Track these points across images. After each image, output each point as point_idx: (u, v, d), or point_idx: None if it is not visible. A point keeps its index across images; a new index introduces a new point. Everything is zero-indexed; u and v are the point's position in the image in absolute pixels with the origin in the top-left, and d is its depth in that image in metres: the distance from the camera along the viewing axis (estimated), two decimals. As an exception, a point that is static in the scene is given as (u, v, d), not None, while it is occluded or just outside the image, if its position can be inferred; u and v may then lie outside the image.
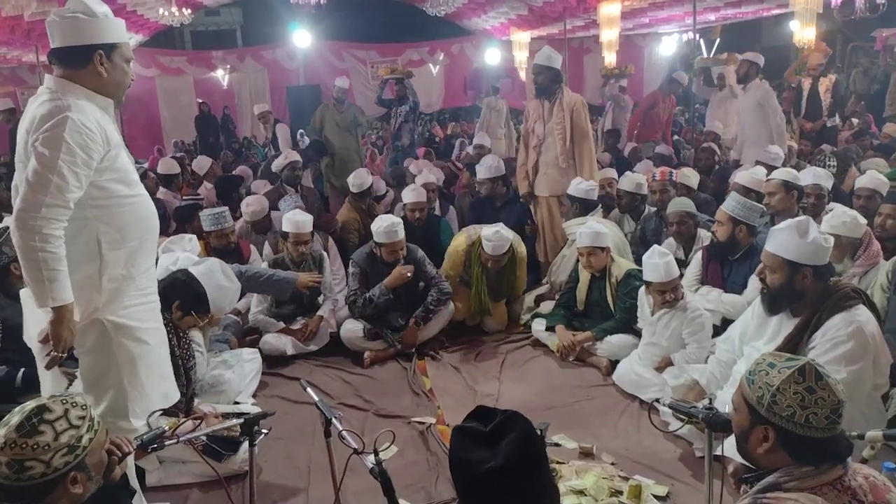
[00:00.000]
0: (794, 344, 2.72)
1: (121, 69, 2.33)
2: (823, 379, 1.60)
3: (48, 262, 2.07)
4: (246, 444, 3.05)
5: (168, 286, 3.04)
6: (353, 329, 4.60)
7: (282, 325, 4.63)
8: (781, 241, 2.74)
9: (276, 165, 6.62)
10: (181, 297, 3.04)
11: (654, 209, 5.13)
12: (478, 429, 1.45)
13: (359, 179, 5.80)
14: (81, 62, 2.25)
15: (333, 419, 2.21)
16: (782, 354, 1.72)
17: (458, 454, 1.45)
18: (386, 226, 4.51)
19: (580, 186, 5.06)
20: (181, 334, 3.09)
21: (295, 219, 4.67)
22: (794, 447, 1.59)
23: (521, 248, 4.91)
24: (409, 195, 5.44)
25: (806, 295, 2.76)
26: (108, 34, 2.28)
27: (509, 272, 4.82)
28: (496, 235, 4.56)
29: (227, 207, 5.09)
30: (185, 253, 3.73)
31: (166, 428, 2.10)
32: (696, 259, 4.14)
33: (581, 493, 2.86)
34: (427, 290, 4.70)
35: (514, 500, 1.40)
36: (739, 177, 4.98)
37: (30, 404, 1.71)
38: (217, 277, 3.14)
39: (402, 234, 4.54)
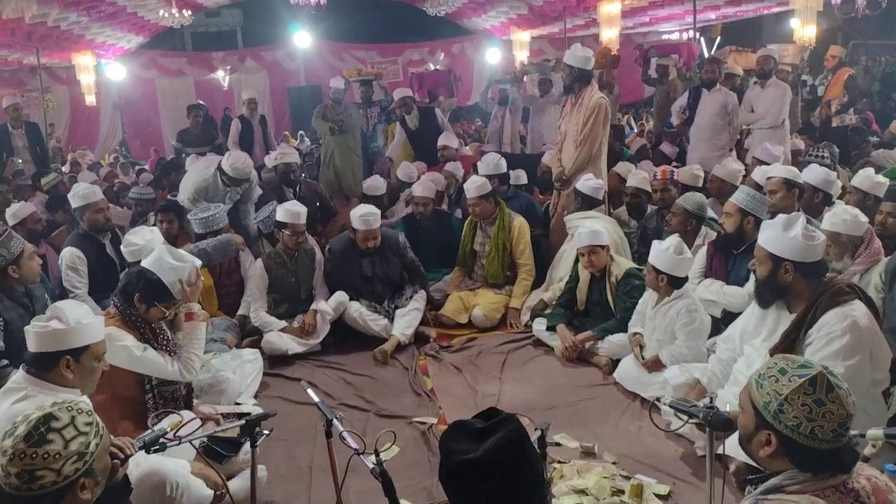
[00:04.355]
0: (791, 340, 2.72)
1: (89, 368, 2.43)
2: (835, 391, 1.56)
3: None
4: (247, 445, 3.06)
5: (124, 284, 3.04)
6: (356, 308, 4.76)
7: (284, 324, 4.64)
8: (767, 234, 2.78)
9: (270, 161, 6.56)
10: (138, 289, 3.00)
11: (655, 208, 5.12)
12: (473, 424, 1.48)
13: (374, 183, 6.03)
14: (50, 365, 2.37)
15: (334, 420, 2.21)
16: (795, 359, 1.67)
17: (445, 442, 1.48)
18: (362, 213, 4.73)
19: (588, 183, 5.04)
20: (157, 331, 3.09)
21: (293, 209, 4.68)
22: (797, 455, 1.58)
23: (519, 222, 5.16)
24: (417, 188, 5.56)
25: (792, 290, 2.76)
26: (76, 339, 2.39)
27: (506, 241, 5.10)
28: (473, 179, 5.23)
29: (220, 208, 4.96)
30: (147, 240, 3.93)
31: (167, 429, 2.10)
32: (700, 255, 4.14)
33: (583, 492, 2.85)
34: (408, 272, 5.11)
35: (487, 497, 1.41)
36: (717, 169, 5.09)
37: (34, 413, 1.69)
38: (167, 261, 3.08)
39: (376, 224, 4.75)
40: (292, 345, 4.53)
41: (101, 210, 4.69)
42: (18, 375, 2.39)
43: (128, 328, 2.93)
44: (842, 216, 3.54)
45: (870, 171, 4.40)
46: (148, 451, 2.05)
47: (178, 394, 3.05)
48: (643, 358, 3.80)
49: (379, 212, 4.88)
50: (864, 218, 3.55)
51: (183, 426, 2.14)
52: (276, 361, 4.44)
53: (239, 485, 2.77)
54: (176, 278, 3.03)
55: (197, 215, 4.80)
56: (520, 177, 6.40)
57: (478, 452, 1.40)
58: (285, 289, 4.76)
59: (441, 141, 7.03)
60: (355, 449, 2.01)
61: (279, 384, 4.18)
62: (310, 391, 2.42)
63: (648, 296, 3.93)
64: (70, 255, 4.47)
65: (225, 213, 4.98)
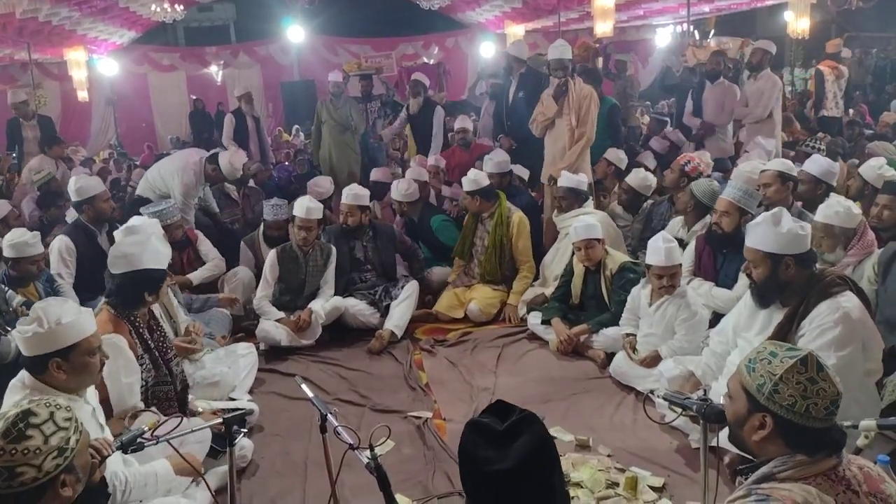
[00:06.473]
0: (784, 333, 2.73)
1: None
2: (824, 370, 1.61)
3: None
4: (245, 440, 3.05)
5: (113, 293, 3.03)
6: (353, 303, 4.83)
7: (281, 314, 4.64)
8: (759, 234, 2.75)
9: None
10: (140, 285, 3.02)
11: (666, 195, 5.17)
12: (492, 426, 1.40)
13: (352, 191, 5.08)
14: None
15: (329, 415, 2.21)
16: (783, 344, 1.72)
17: (467, 449, 1.40)
18: (352, 194, 5.02)
19: (571, 177, 5.06)
20: (154, 327, 3.08)
21: (305, 204, 4.72)
22: (791, 436, 1.60)
23: (518, 217, 5.13)
24: (392, 190, 5.64)
25: (793, 284, 2.76)
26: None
27: (503, 236, 5.09)
28: (471, 172, 5.26)
29: (171, 203, 4.99)
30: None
31: (145, 428, 2.06)
32: (690, 249, 4.14)
33: (578, 485, 2.86)
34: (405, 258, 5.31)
35: (518, 501, 1.36)
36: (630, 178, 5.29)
37: (11, 410, 1.67)
38: (139, 250, 3.06)
39: (358, 201, 4.97)
40: (285, 337, 4.52)
41: (108, 199, 4.85)
42: (24, 373, 2.36)
43: (124, 329, 2.92)
44: (835, 208, 3.54)
45: (880, 160, 4.39)
46: (126, 452, 2.02)
47: (172, 394, 3.04)
48: (635, 354, 3.81)
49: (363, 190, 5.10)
50: (857, 210, 3.56)
51: (160, 425, 2.12)
52: (270, 357, 4.43)
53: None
54: (150, 256, 3.08)
55: (149, 209, 4.79)
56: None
57: (507, 462, 1.34)
58: (292, 282, 4.77)
59: (458, 124, 7.09)
60: (350, 444, 2.01)
61: (274, 379, 4.18)
62: (304, 386, 2.41)
63: (639, 295, 3.93)
64: (60, 244, 4.54)
65: (177, 207, 5.01)
